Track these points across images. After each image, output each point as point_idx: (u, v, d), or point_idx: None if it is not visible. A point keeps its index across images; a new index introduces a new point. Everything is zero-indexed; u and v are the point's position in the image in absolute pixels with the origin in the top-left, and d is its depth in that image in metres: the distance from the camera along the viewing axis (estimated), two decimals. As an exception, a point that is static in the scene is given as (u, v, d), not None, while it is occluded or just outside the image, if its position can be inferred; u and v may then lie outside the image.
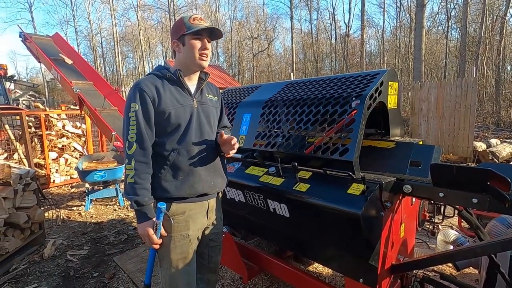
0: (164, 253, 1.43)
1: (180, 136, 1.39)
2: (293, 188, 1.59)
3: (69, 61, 4.87)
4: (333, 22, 27.53)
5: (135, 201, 1.31)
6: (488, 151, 6.71)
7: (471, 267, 2.16)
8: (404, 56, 22.33)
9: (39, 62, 5.08)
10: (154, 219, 1.34)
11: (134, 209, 1.34)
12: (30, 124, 5.67)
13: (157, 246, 1.38)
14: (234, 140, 1.44)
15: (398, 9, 24.78)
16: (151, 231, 1.33)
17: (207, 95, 1.54)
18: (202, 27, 1.35)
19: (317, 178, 1.60)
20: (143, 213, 1.33)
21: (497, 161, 6.44)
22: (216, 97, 1.61)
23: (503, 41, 15.21)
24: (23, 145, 5.38)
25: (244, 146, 2.06)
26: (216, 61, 31.67)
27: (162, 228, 1.36)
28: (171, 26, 1.47)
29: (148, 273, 1.48)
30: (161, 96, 1.36)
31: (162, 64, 1.54)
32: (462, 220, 1.93)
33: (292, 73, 17.14)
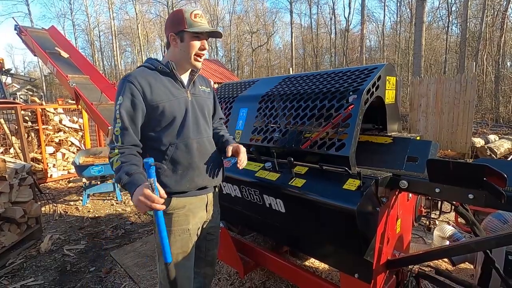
0: None
1: (177, 130, 1.37)
2: (289, 183, 1.58)
3: (65, 55, 4.81)
4: (333, 17, 27.37)
5: (122, 176, 1.20)
6: (486, 147, 6.72)
7: (466, 262, 2.17)
8: (404, 51, 22.22)
9: (35, 55, 5.02)
10: (146, 181, 1.17)
11: (124, 184, 1.20)
12: (27, 118, 5.62)
13: (159, 206, 1.16)
14: (240, 159, 1.42)
15: (398, 4, 24.63)
16: (147, 190, 1.13)
17: (200, 87, 1.53)
18: (206, 30, 1.34)
19: (313, 173, 1.59)
20: (133, 183, 1.19)
21: (495, 157, 6.46)
22: (209, 89, 1.60)
23: (503, 36, 15.15)
24: (19, 140, 5.34)
25: (241, 141, 2.05)
26: (215, 55, 31.48)
27: (159, 186, 1.17)
28: (168, 16, 1.43)
29: (166, 249, 1.29)
30: (153, 89, 1.33)
31: (160, 58, 1.51)
32: (459, 215, 1.93)
33: (291, 68, 17.05)
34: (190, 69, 1.48)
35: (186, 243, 1.43)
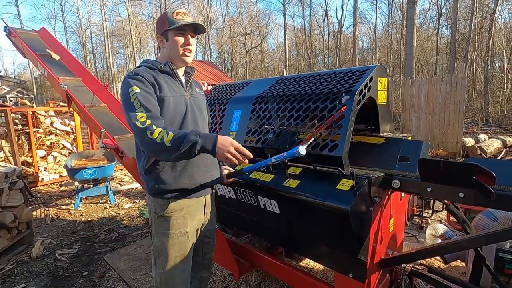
0: (161, 250, 1.41)
1: (177, 127, 1.38)
2: (283, 184, 1.58)
3: (56, 57, 4.73)
4: (326, 19, 27.55)
5: (194, 136, 1.19)
6: (476, 146, 6.84)
7: (458, 260, 2.20)
8: (396, 53, 22.51)
9: (25, 57, 4.92)
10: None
11: (202, 146, 1.20)
12: (17, 121, 5.53)
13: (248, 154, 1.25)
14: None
15: (390, 6, 24.96)
16: (230, 139, 1.21)
17: (196, 89, 1.57)
18: (184, 23, 1.34)
19: (307, 174, 1.59)
20: (207, 137, 1.20)
21: (485, 156, 6.58)
22: (202, 92, 1.64)
23: (491, 38, 15.46)
24: (9, 143, 5.25)
25: (235, 142, 2.05)
26: (209, 57, 31.38)
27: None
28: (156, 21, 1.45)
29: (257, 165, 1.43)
30: (160, 83, 1.35)
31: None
32: (450, 214, 1.96)
33: (285, 70, 17.12)
34: (185, 70, 1.52)
35: (185, 246, 1.43)
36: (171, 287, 1.42)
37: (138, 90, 1.27)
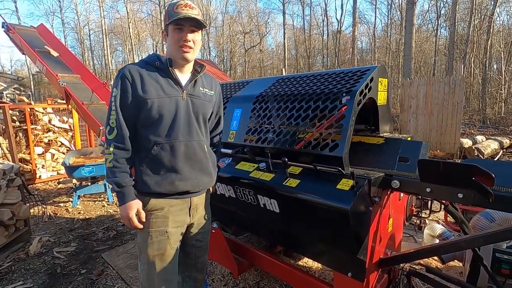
0: (142, 248, 1.41)
1: (165, 130, 1.34)
2: (283, 183, 1.59)
3: (54, 54, 4.72)
4: (325, 18, 27.59)
5: (115, 183, 1.31)
6: (474, 147, 6.88)
7: (456, 260, 2.22)
8: (394, 53, 22.57)
9: (23, 54, 4.90)
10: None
11: (115, 191, 1.35)
12: (15, 118, 5.50)
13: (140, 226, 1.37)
14: None
15: (389, 6, 25.01)
16: (132, 213, 1.32)
17: (201, 89, 1.47)
18: (178, 17, 1.27)
19: (307, 173, 1.60)
20: (124, 194, 1.33)
21: (482, 157, 6.62)
22: (213, 91, 1.54)
23: (490, 40, 15.54)
24: (7, 140, 5.22)
25: (235, 141, 2.05)
26: (208, 55, 31.32)
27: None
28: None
29: None
30: (145, 84, 1.31)
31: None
32: (448, 214, 1.98)
33: (284, 69, 17.15)
34: (194, 69, 1.45)
35: (164, 245, 1.39)
36: (151, 285, 1.40)
37: (116, 92, 1.32)
